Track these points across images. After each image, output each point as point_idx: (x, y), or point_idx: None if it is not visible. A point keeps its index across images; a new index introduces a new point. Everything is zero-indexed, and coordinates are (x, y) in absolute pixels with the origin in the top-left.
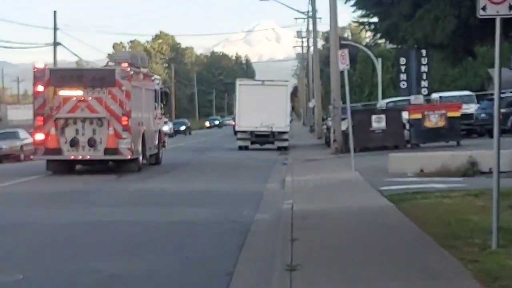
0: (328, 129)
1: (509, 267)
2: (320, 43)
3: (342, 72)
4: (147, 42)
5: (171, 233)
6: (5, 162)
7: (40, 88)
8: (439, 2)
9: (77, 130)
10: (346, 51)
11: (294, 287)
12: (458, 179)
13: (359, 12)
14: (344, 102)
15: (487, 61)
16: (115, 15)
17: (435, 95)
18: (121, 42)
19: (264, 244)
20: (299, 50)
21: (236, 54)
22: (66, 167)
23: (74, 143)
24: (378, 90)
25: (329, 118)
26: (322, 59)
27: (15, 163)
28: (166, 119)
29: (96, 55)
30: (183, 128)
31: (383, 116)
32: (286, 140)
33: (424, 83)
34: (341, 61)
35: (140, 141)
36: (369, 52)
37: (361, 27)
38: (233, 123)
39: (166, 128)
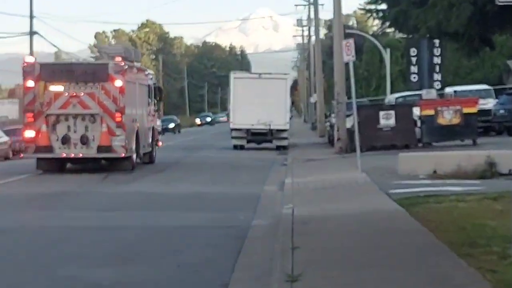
0: (331, 126)
1: None
2: (323, 32)
3: (346, 64)
4: (132, 31)
5: (163, 240)
6: None
7: (30, 83)
8: None
9: (68, 127)
10: (351, 41)
11: None
12: (474, 182)
13: None
14: (349, 97)
15: (505, 52)
16: (97, 2)
17: (449, 89)
18: (103, 32)
19: (262, 252)
20: (299, 39)
21: (230, 44)
22: (57, 166)
23: (65, 140)
24: (386, 83)
25: (332, 115)
26: (324, 49)
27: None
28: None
29: (77, 45)
30: (172, 125)
31: (392, 112)
32: (285, 138)
33: (437, 76)
34: (346, 52)
35: (134, 139)
36: (377, 42)
37: (368, 14)
38: (227, 120)
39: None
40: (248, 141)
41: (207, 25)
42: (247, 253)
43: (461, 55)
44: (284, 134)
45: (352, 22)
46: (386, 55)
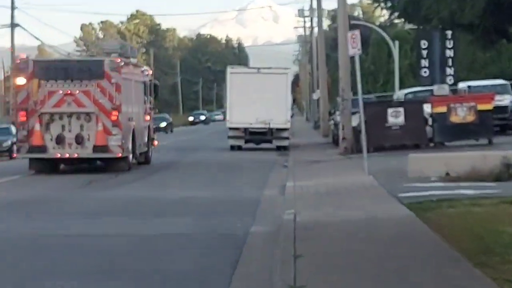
0: (335, 125)
1: None
2: (326, 23)
3: (352, 58)
4: (121, 23)
5: (154, 248)
6: None
7: (23, 80)
8: None
9: (63, 126)
10: (357, 32)
11: None
12: (490, 184)
13: None
14: (355, 93)
15: None
16: None
17: (462, 85)
18: (90, 23)
19: (261, 260)
20: (301, 31)
21: (227, 36)
22: (51, 166)
23: (60, 140)
24: (394, 78)
25: (337, 112)
26: (328, 42)
27: None
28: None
29: (61, 38)
30: (163, 124)
31: (401, 109)
32: (286, 138)
33: (450, 70)
34: (351, 45)
35: (131, 138)
36: (384, 34)
37: (375, 4)
38: (224, 118)
39: None
40: (246, 141)
41: (201, 16)
42: (245, 262)
43: (475, 48)
44: (285, 134)
45: (358, 12)
46: (395, 48)
